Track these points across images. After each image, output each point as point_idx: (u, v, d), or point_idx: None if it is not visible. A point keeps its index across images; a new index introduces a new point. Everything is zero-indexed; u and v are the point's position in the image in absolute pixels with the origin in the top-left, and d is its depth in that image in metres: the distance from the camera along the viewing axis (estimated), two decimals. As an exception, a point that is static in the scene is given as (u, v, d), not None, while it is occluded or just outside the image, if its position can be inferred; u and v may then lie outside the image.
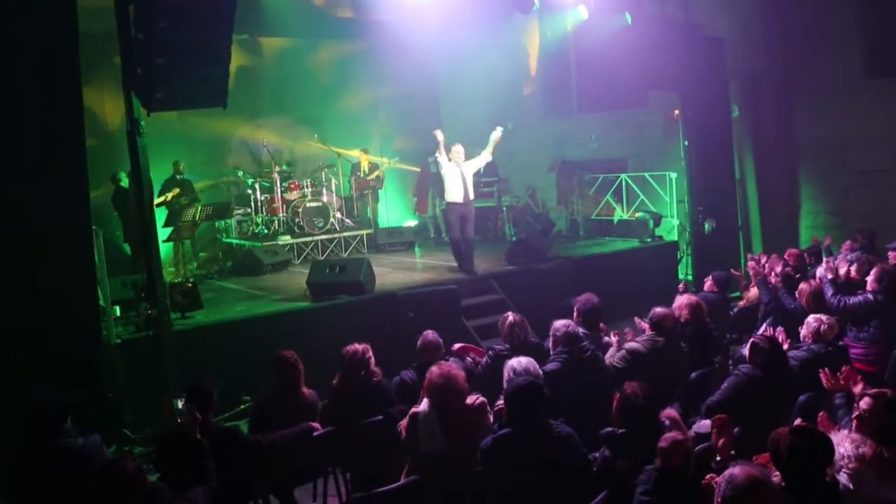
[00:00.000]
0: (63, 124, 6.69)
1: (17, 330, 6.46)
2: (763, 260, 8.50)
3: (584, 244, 13.18)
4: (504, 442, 4.26)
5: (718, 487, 3.11)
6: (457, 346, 6.54)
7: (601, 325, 6.59)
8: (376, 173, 14.32)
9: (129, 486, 3.61)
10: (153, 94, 6.84)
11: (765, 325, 7.56)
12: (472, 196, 10.35)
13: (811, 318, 5.97)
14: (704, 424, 4.64)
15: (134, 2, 6.75)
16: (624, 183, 13.56)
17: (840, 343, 6.21)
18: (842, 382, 4.74)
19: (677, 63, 10.83)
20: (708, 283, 8.17)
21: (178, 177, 12.50)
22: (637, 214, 12.99)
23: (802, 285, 7.16)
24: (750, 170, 13.00)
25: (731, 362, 6.83)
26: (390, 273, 11.02)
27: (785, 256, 8.84)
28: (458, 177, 10.19)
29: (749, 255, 9.56)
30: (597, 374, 5.66)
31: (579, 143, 15.53)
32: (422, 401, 4.74)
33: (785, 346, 5.65)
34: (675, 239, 12.77)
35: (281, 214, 13.17)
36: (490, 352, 6.12)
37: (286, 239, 12.82)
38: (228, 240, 13.43)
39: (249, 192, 13.39)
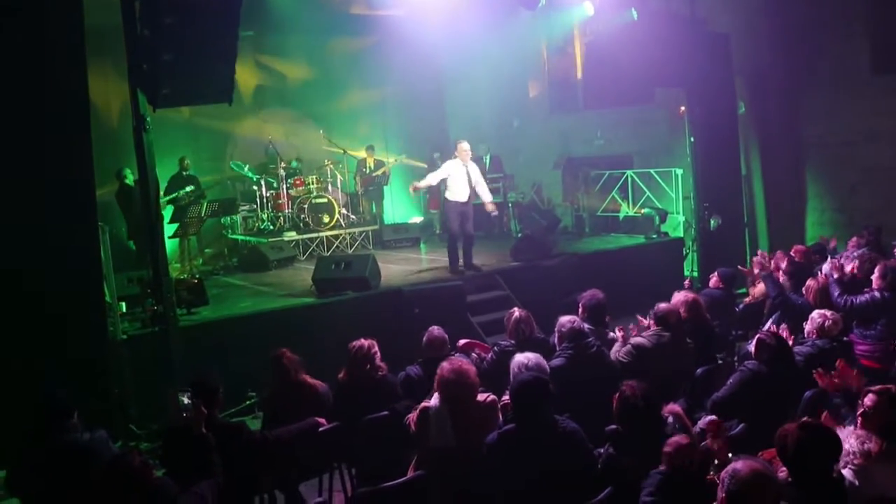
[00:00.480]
0: (69, 120, 6.71)
1: (23, 326, 6.49)
2: (769, 257, 8.47)
3: (590, 240, 13.17)
4: (509, 437, 4.26)
5: (722, 483, 3.10)
6: (462, 342, 6.55)
7: (606, 319, 6.58)
8: (382, 169, 14.32)
9: (136, 481, 3.61)
10: (159, 90, 6.84)
11: (770, 321, 7.55)
12: (481, 198, 10.35)
13: (815, 314, 5.96)
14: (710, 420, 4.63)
15: (140, -3, 6.77)
16: (629, 179, 13.54)
17: (845, 339, 6.19)
18: (836, 381, 4.72)
19: (683, 59, 10.79)
20: (713, 279, 8.16)
21: (184, 173, 12.52)
22: (643, 211, 12.98)
23: (809, 282, 7.14)
24: (756, 166, 12.96)
25: (736, 358, 6.83)
26: (396, 269, 11.03)
27: (791, 253, 8.82)
28: (464, 175, 10.14)
29: (760, 252, 9.55)
30: (602, 369, 5.66)
31: (585, 140, 15.50)
32: (432, 396, 4.74)
33: (790, 343, 5.64)
34: (681, 235, 12.74)
35: (286, 211, 13.19)
36: (495, 348, 6.14)
37: (292, 235, 12.83)
38: (234, 236, 13.46)
39: (255, 188, 13.40)
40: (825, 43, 11.97)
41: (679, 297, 6.61)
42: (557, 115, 16.16)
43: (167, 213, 11.06)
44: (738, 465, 3.10)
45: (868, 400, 3.91)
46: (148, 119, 7.05)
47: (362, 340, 5.64)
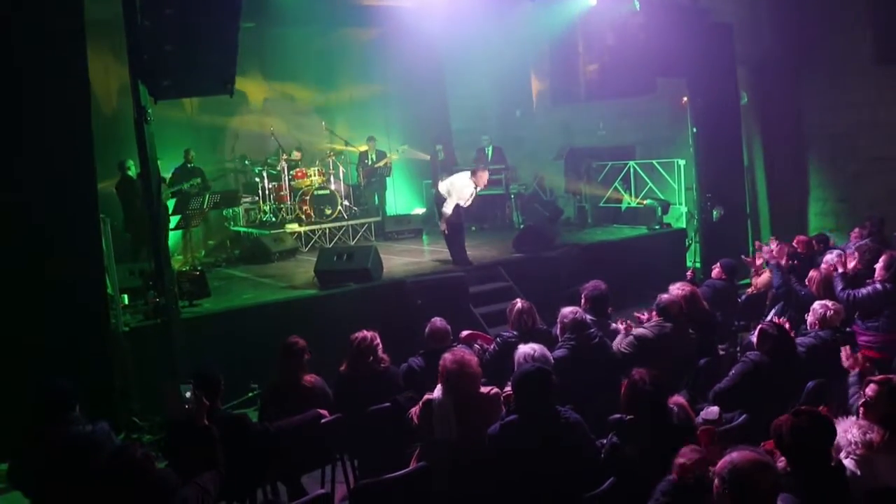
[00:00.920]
0: (70, 111, 6.70)
1: (26, 318, 6.50)
2: (773, 246, 8.46)
3: (592, 231, 13.17)
4: (512, 428, 4.26)
5: (719, 474, 3.08)
6: (465, 333, 6.55)
7: (609, 310, 6.57)
8: (384, 161, 14.30)
9: (138, 473, 3.61)
10: (160, 81, 6.83)
11: (773, 311, 7.55)
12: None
13: (817, 305, 5.96)
14: (712, 411, 4.63)
15: (141, -11, 6.75)
16: (632, 170, 13.51)
17: (848, 329, 6.19)
18: (859, 361, 4.82)
19: (685, 49, 10.76)
20: (716, 270, 8.15)
21: (188, 165, 12.53)
22: (645, 202, 12.96)
23: (813, 272, 7.14)
24: (758, 157, 12.94)
25: (738, 349, 6.82)
26: (398, 260, 11.03)
27: (793, 243, 8.81)
28: (471, 193, 10.23)
29: (757, 244, 9.53)
30: (604, 360, 5.66)
31: (587, 131, 15.47)
32: (436, 388, 4.74)
33: (792, 334, 5.64)
34: (684, 226, 12.72)
35: (288, 202, 13.18)
36: (498, 339, 6.13)
37: (294, 227, 12.83)
38: (236, 228, 13.46)
39: (257, 180, 13.39)
40: (827, 33, 11.92)
41: (676, 290, 6.58)
42: (560, 105, 16.10)
43: (169, 205, 11.05)
44: (735, 455, 3.09)
45: (870, 390, 3.91)
46: (149, 111, 7.03)
47: (364, 332, 5.63)
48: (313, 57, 14.82)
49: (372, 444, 5.38)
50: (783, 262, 7.82)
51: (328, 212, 13.06)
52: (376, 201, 14.57)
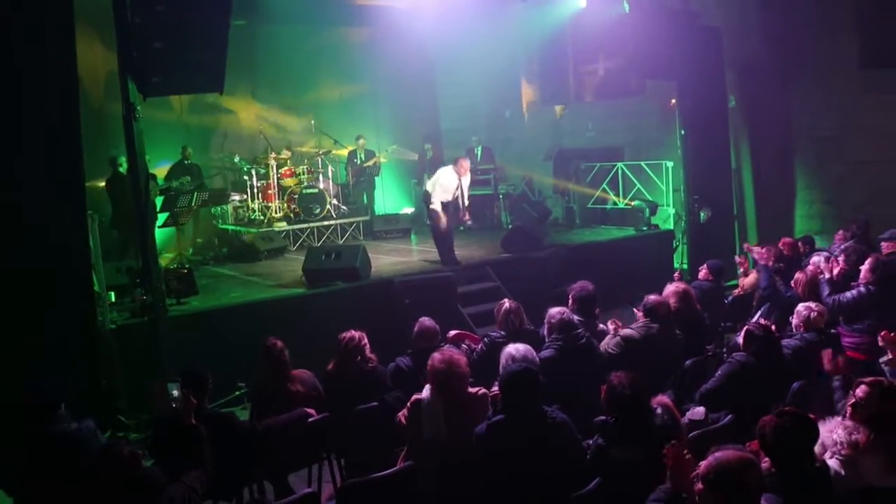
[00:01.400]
0: (56, 104, 6.64)
1: (11, 316, 6.45)
2: (757, 249, 8.51)
3: (581, 232, 13.19)
4: (498, 428, 4.27)
5: (702, 474, 3.08)
6: (452, 333, 6.54)
7: (596, 310, 6.59)
8: (374, 160, 14.29)
9: (125, 471, 3.61)
10: (149, 78, 6.81)
11: (759, 313, 7.60)
12: (461, 205, 10.49)
13: (801, 307, 5.99)
14: (698, 411, 4.67)
15: (131, -16, 6.72)
16: (620, 171, 13.54)
17: (833, 331, 6.23)
18: (840, 365, 4.83)
19: (674, 52, 10.80)
20: (703, 271, 8.19)
21: (186, 162, 12.47)
22: (633, 203, 12.99)
23: (798, 274, 7.17)
24: (746, 159, 13.01)
25: (725, 350, 6.85)
26: (386, 260, 11.02)
27: (779, 245, 8.86)
28: (455, 185, 10.25)
29: (746, 245, 9.58)
30: (591, 361, 5.67)
31: (576, 132, 15.51)
32: (424, 388, 4.75)
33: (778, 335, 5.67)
34: (671, 227, 12.78)
35: (277, 201, 13.16)
36: (485, 339, 6.14)
37: (282, 225, 12.82)
38: (224, 226, 13.41)
39: (245, 178, 13.34)
40: (815, 37, 11.99)
41: (670, 288, 6.64)
42: (549, 106, 16.16)
43: (157, 202, 11.00)
44: (720, 454, 3.10)
45: (860, 391, 3.95)
46: (138, 107, 7.00)
47: (352, 332, 5.63)
48: (304, 55, 14.79)
49: (359, 444, 5.38)
50: (770, 263, 7.86)
51: (317, 211, 13.04)
52: (365, 200, 14.56)
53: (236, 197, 13.44)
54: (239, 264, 11.51)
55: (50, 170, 6.60)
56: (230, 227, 13.27)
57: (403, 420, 4.75)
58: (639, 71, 10.65)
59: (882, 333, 5.13)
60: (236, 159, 13.63)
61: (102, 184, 11.13)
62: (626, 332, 6.00)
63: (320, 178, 13.78)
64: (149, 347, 7.27)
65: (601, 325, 6.43)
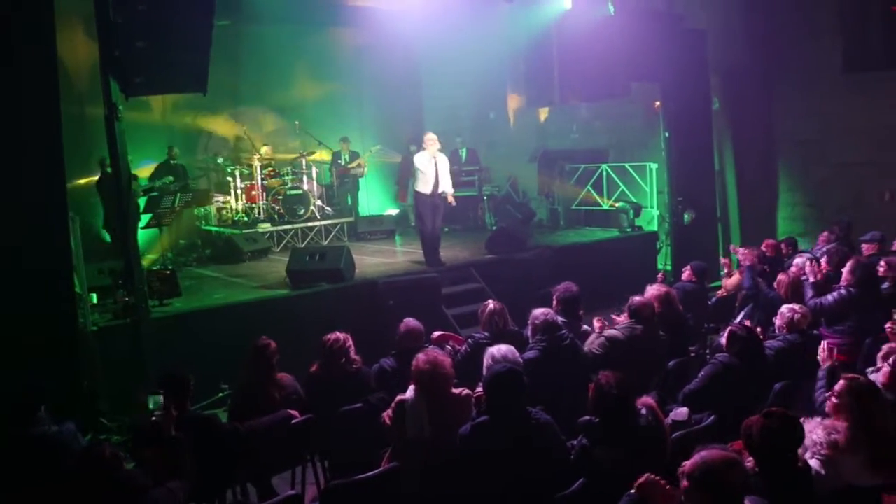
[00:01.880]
0: (36, 103, 6.57)
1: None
2: (742, 250, 8.56)
3: (565, 233, 13.23)
4: (483, 429, 4.27)
5: (686, 473, 3.09)
6: (436, 334, 6.55)
7: (580, 311, 6.60)
8: (358, 161, 14.26)
9: (107, 472, 3.59)
10: (132, 78, 6.76)
11: (742, 313, 7.65)
12: (442, 189, 10.20)
13: (784, 309, 6.04)
14: (681, 412, 4.68)
15: (112, -17, 6.67)
16: (605, 173, 13.59)
17: (815, 332, 6.28)
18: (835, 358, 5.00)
19: (659, 54, 10.85)
20: (686, 272, 8.23)
21: (171, 162, 12.40)
22: (617, 204, 13.04)
23: (781, 276, 7.23)
24: (729, 161, 13.08)
25: (708, 351, 6.89)
26: (371, 261, 11.00)
27: (762, 247, 8.92)
28: (432, 167, 10.11)
29: (732, 247, 9.64)
30: (575, 362, 5.68)
31: (561, 133, 15.56)
32: (408, 388, 4.74)
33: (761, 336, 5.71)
34: (655, 229, 12.84)
35: (261, 202, 13.11)
36: (469, 340, 6.14)
37: (266, 227, 12.76)
38: (208, 227, 13.33)
39: (229, 179, 13.29)
40: (797, 42, 12.11)
41: (652, 290, 6.64)
42: (534, 108, 16.17)
43: (141, 203, 10.94)
44: (705, 453, 3.11)
45: (838, 388, 3.97)
46: (120, 108, 6.95)
47: (337, 333, 5.60)
48: (288, 56, 14.74)
49: (343, 445, 5.37)
50: (754, 264, 7.91)
51: (301, 212, 13.01)
52: (349, 202, 14.53)
53: (220, 198, 13.38)
54: (222, 265, 11.45)
55: (30, 171, 6.53)
56: (214, 228, 13.20)
57: (388, 421, 4.74)
58: (624, 73, 10.67)
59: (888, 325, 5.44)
60: (220, 160, 13.57)
61: (84, 182, 11.05)
62: (610, 332, 6.01)
63: (304, 179, 13.72)
64: (131, 349, 7.22)
65: (585, 326, 6.45)
